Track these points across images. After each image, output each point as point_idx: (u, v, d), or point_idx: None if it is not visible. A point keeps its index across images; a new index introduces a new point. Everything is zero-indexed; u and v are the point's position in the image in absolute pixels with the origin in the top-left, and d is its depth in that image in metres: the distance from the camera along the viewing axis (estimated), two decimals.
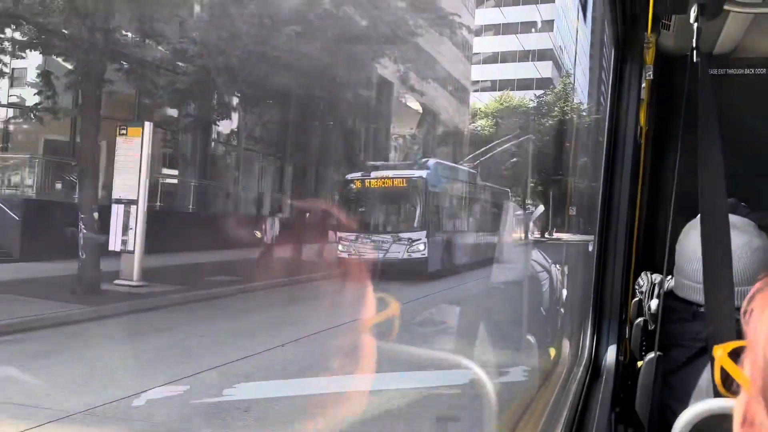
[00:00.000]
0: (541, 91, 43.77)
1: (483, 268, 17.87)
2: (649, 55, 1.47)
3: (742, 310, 0.58)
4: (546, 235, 42.46)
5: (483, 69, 50.82)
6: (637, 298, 2.52)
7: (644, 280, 2.54)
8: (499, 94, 44.85)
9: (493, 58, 52.16)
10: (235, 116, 21.83)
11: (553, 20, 49.90)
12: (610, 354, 1.45)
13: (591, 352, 1.46)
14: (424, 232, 15.76)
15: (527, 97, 42.90)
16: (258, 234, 15.78)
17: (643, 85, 1.69)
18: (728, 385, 0.60)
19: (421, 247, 15.59)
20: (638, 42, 1.42)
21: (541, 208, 44.41)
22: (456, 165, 22.47)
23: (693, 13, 1.39)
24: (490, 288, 14.19)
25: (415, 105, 35.07)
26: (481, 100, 43.99)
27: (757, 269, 1.42)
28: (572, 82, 44.28)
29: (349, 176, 17.13)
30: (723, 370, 0.62)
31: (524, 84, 48.21)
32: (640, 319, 2.02)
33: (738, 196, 2.72)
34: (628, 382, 1.44)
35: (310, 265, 15.51)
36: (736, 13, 2.47)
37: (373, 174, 16.60)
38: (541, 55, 49.79)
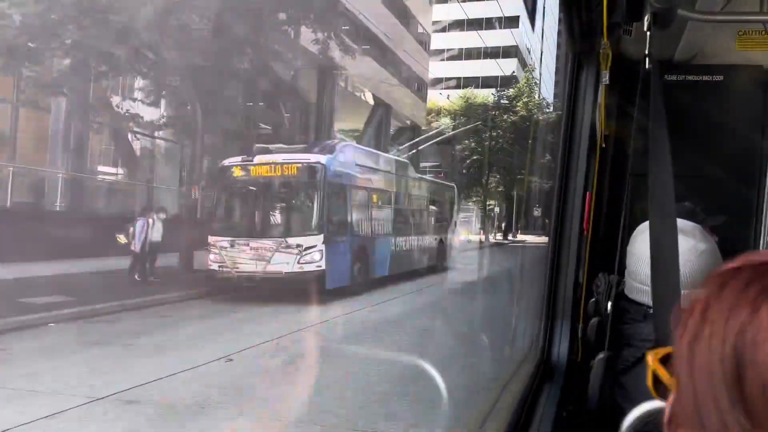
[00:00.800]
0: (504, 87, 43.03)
1: (415, 280, 15.61)
2: (606, 62, 1.51)
3: (680, 311, 0.62)
4: (509, 237, 41.54)
5: (447, 66, 50.57)
6: (594, 298, 2.59)
7: (602, 281, 2.61)
8: (463, 91, 44.26)
9: (458, 56, 52.05)
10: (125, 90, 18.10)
11: (518, 16, 50.07)
12: (562, 353, 1.49)
13: (543, 351, 1.50)
14: (321, 237, 11.88)
15: (491, 95, 42.22)
16: (121, 239, 12.32)
17: (601, 90, 1.73)
18: (659, 389, 0.64)
19: (317, 256, 11.74)
20: (594, 48, 1.45)
21: (500, 208, 43.81)
22: (377, 152, 18.22)
23: (646, 21, 1.44)
24: (430, 302, 13.09)
25: (367, 96, 32.84)
26: (445, 98, 43.04)
27: (703, 273, 1.48)
28: (536, 77, 43.41)
29: (227, 161, 13.00)
30: (654, 374, 0.66)
31: (488, 82, 48.00)
32: (595, 319, 2.08)
33: (696, 200, 2.83)
34: (580, 381, 1.48)
35: (177, 281, 12.44)
36: (696, 22, 2.57)
37: (258, 159, 12.62)
38: (506, 52, 49.80)
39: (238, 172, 12.64)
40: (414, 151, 28.19)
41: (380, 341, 8.65)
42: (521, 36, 50.23)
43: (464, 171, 39.48)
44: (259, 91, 18.76)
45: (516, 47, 51.15)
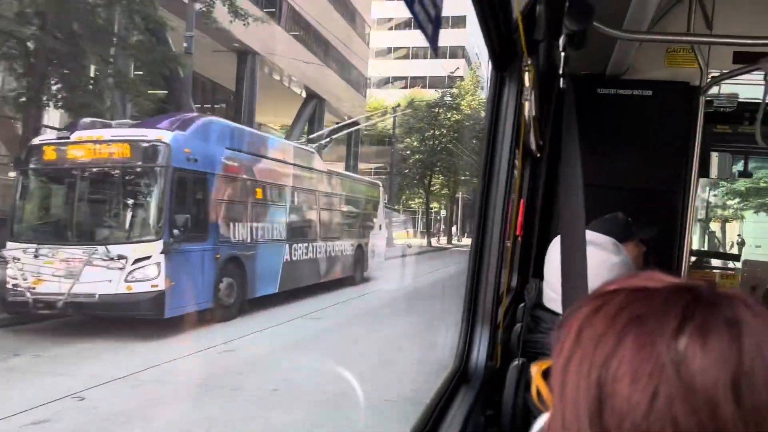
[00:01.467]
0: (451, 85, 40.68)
1: (321, 296, 13.02)
2: (528, 77, 1.57)
3: (555, 330, 0.63)
4: (454, 241, 40.22)
5: (393, 65, 50.24)
6: (523, 303, 2.67)
7: (532, 287, 2.69)
8: (409, 91, 43.48)
9: (405, 55, 51.58)
10: None
11: (465, 16, 49.91)
12: (481, 358, 1.54)
13: (462, 357, 1.54)
14: (159, 244, 8.60)
15: (435, 91, 40.06)
16: None
17: (531, 102, 1.79)
18: (542, 401, 0.65)
19: (151, 271, 8.51)
20: (516, 65, 1.51)
21: (446, 211, 42.55)
22: (264, 134, 14.82)
23: (562, 42, 1.50)
24: (332, 328, 10.12)
25: (297, 87, 29.78)
26: (391, 97, 41.31)
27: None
28: (482, 77, 41.34)
29: (38, 139, 9.77)
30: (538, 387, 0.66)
31: (435, 83, 46.65)
32: (518, 325, 2.15)
33: (623, 210, 2.95)
34: (498, 387, 1.53)
35: None
36: (624, 39, 2.68)
37: (77, 135, 9.12)
38: (453, 53, 49.40)
39: (49, 154, 9.11)
40: (328, 140, 24.91)
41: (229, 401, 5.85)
42: (468, 36, 50.02)
43: (407, 171, 38.11)
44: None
45: (463, 48, 50.77)
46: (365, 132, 41.61)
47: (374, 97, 44.01)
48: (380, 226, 18.74)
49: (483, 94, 39.11)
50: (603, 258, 1.56)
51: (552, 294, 1.62)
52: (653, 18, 2.62)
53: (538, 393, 0.65)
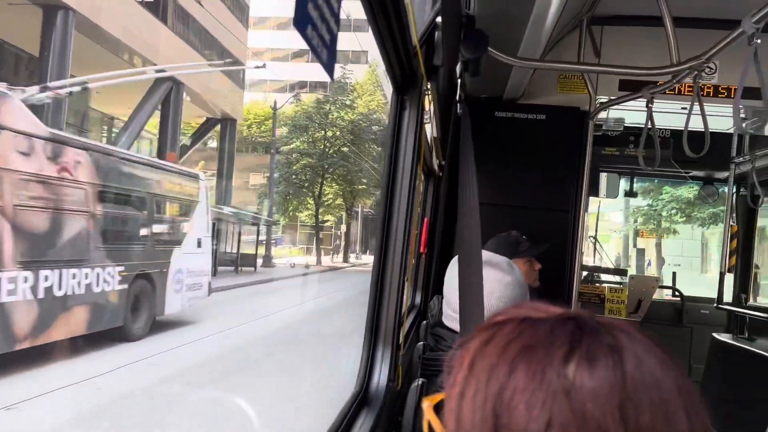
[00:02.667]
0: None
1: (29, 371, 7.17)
2: (428, 101, 1.61)
3: (447, 361, 0.63)
4: (352, 259, 36.48)
5: (288, 67, 47.55)
6: (426, 321, 2.70)
7: (435, 304, 2.72)
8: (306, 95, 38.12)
9: (306, 58, 46.65)
10: None
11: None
12: (382, 379, 1.54)
13: (363, 380, 1.54)
14: None
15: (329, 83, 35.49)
16: None
17: (428, 124, 1.83)
18: None
19: None
20: (416, 88, 1.54)
21: (345, 225, 37.35)
22: None
23: (459, 68, 1.55)
24: None
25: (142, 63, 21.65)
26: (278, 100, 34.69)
27: (508, 304, 1.61)
28: (381, 77, 36.36)
29: None
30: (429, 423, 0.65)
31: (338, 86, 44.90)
32: (419, 344, 2.17)
33: (519, 228, 3.07)
34: (399, 409, 1.53)
35: None
36: (518, 66, 2.81)
37: None
38: (356, 57, 46.70)
39: None
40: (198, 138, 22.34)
41: None
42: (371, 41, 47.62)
43: (293, 177, 33.14)
44: None
45: (366, 53, 47.87)
46: (253, 137, 37.62)
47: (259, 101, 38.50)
48: (198, 241, 12.41)
49: (383, 96, 34.74)
50: (498, 277, 1.61)
51: (451, 312, 1.65)
52: (546, 46, 2.76)
53: (430, 427, 0.64)
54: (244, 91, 33.69)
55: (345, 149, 33.12)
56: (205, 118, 28.79)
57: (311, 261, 32.89)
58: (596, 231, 6.38)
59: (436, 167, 2.97)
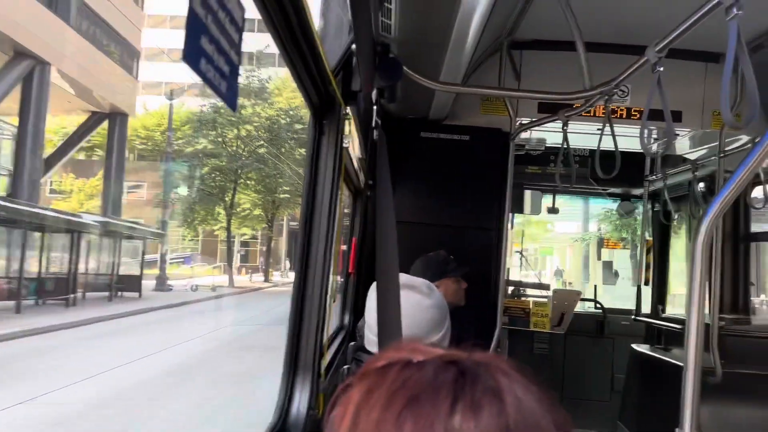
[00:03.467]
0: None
1: None
2: (348, 124, 1.61)
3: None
4: (275, 278, 32.61)
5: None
6: (353, 343, 2.68)
7: (362, 326, 2.71)
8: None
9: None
10: None
11: None
12: (302, 408, 1.52)
13: (281, 410, 1.51)
14: None
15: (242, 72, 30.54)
16: None
17: (349, 146, 1.83)
18: None
19: None
20: (335, 113, 1.55)
21: (266, 240, 32.68)
22: None
23: (374, 95, 1.57)
24: None
25: None
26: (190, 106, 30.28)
27: (426, 327, 1.62)
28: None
29: None
30: None
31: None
32: (345, 368, 2.15)
33: (446, 246, 3.11)
34: None
35: None
36: (440, 91, 2.87)
37: None
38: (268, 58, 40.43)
39: None
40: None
41: None
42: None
43: (200, 183, 28.53)
44: None
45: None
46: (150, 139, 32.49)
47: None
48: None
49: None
50: (416, 300, 1.62)
51: (372, 336, 1.65)
52: (468, 69, 2.84)
53: None
54: (137, 78, 27.50)
55: (262, 150, 27.78)
56: (89, 113, 23.52)
57: (223, 281, 27.60)
58: (522, 246, 6.55)
59: (363, 187, 2.98)
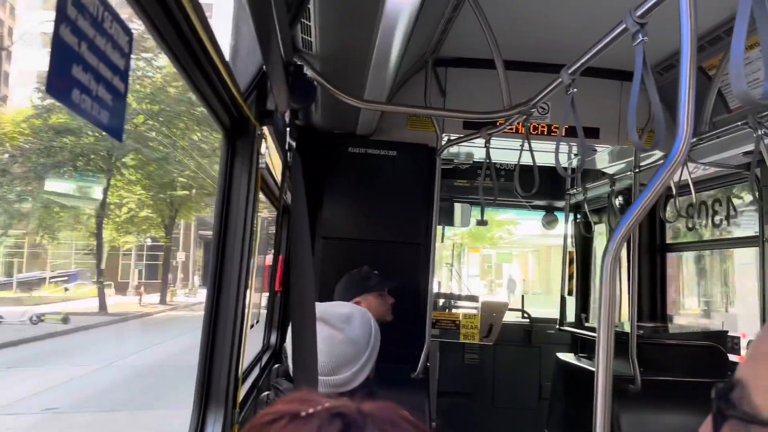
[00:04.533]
0: None
1: None
2: (264, 143, 1.57)
3: None
4: (181, 298, 26.98)
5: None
6: (279, 364, 2.62)
7: (288, 348, 2.65)
8: None
9: None
10: None
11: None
12: None
13: None
14: None
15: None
16: None
17: (266, 164, 1.79)
18: None
19: None
20: (248, 132, 1.50)
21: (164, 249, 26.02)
22: None
23: (287, 116, 1.54)
24: None
25: None
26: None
27: (336, 362, 1.58)
28: None
29: None
30: None
31: None
32: (264, 394, 2.09)
33: (374, 262, 3.09)
34: None
35: None
36: (364, 108, 2.86)
37: None
38: None
39: None
40: None
41: None
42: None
43: (50, 173, 20.22)
44: None
45: None
46: None
47: None
48: None
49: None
50: (327, 334, 1.58)
51: (290, 364, 1.60)
52: (393, 86, 2.84)
53: None
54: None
55: (144, 129, 20.76)
56: None
57: (93, 307, 20.65)
58: (452, 258, 6.62)
59: (289, 203, 2.93)
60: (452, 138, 3.52)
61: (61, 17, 0.59)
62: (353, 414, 0.55)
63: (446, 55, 3.43)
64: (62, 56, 0.59)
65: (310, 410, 0.55)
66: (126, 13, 0.95)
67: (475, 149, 4.70)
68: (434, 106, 3.40)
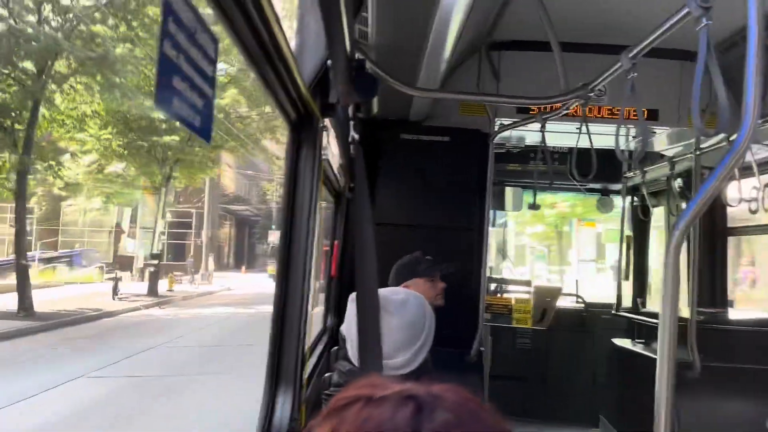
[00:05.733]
0: None
1: None
2: (325, 135, 1.63)
3: None
4: (189, 285, 21.75)
5: None
6: (337, 347, 2.69)
7: (345, 333, 2.71)
8: None
9: None
10: None
11: None
12: (284, 421, 1.53)
13: (264, 422, 1.52)
14: None
15: None
16: None
17: (328, 154, 1.84)
18: None
19: None
20: (312, 125, 1.56)
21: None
22: None
23: (351, 110, 1.58)
24: None
25: None
26: None
27: (394, 347, 1.63)
28: None
29: None
30: None
31: None
32: (327, 375, 2.16)
33: (427, 247, 3.13)
34: None
35: None
36: (418, 96, 2.88)
37: None
38: None
39: None
40: None
41: None
42: None
43: None
44: None
45: None
46: None
47: None
48: None
49: None
50: (385, 319, 1.62)
51: (350, 346, 1.67)
52: (446, 73, 2.86)
53: None
54: None
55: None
56: None
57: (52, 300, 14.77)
58: (504, 244, 6.61)
59: (344, 191, 2.99)
60: (506, 123, 3.50)
61: (164, 33, 0.64)
62: (424, 396, 0.59)
63: (500, 38, 3.41)
64: (166, 71, 0.64)
65: (383, 393, 0.59)
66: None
67: (527, 133, 4.66)
68: (487, 90, 3.39)
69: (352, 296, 1.71)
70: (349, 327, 1.69)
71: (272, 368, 1.57)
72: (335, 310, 3.27)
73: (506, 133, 4.40)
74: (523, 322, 4.46)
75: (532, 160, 4.43)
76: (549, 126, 3.29)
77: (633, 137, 4.19)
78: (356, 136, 1.71)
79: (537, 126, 3.37)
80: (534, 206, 5.30)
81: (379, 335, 1.35)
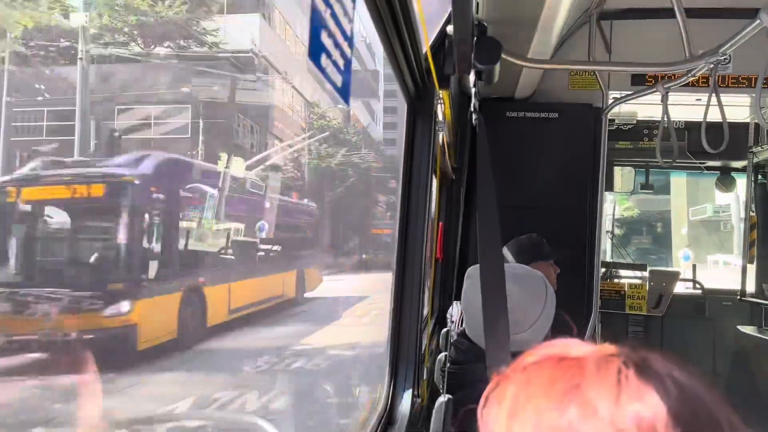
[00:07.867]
0: None
1: None
2: (440, 109, 1.59)
3: (480, 409, 0.62)
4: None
5: None
6: (446, 328, 2.66)
7: (455, 310, 2.67)
8: None
9: None
10: None
11: None
12: (407, 397, 1.52)
13: (387, 397, 1.51)
14: None
15: None
16: None
17: (445, 131, 1.80)
18: None
19: None
20: (428, 97, 1.52)
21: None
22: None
23: (472, 77, 1.53)
24: None
25: None
26: None
27: (516, 319, 1.57)
28: None
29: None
30: None
31: None
32: (442, 355, 2.13)
33: (535, 229, 3.03)
34: (425, 427, 1.50)
35: None
36: (529, 68, 2.77)
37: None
38: None
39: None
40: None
41: None
42: None
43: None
44: None
45: None
46: None
47: None
48: None
49: None
50: (521, 290, 1.57)
51: (471, 324, 1.62)
52: (556, 44, 2.73)
53: None
54: None
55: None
56: None
57: None
58: (613, 226, 6.32)
59: (449, 171, 2.94)
60: (619, 95, 3.31)
61: None
62: (627, 354, 0.56)
63: (612, 7, 3.22)
64: (316, 25, 0.63)
65: (579, 353, 0.56)
66: None
67: (639, 107, 4.39)
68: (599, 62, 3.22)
69: (470, 271, 1.66)
70: (468, 304, 1.64)
71: (393, 347, 1.56)
72: (441, 293, 3.23)
73: (615, 109, 4.18)
74: (636, 308, 4.24)
75: (646, 137, 4.18)
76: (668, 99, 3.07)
77: (761, 107, 3.85)
78: (477, 104, 1.65)
79: (649, 99, 3.16)
80: (647, 186, 5.02)
81: (506, 312, 1.30)
